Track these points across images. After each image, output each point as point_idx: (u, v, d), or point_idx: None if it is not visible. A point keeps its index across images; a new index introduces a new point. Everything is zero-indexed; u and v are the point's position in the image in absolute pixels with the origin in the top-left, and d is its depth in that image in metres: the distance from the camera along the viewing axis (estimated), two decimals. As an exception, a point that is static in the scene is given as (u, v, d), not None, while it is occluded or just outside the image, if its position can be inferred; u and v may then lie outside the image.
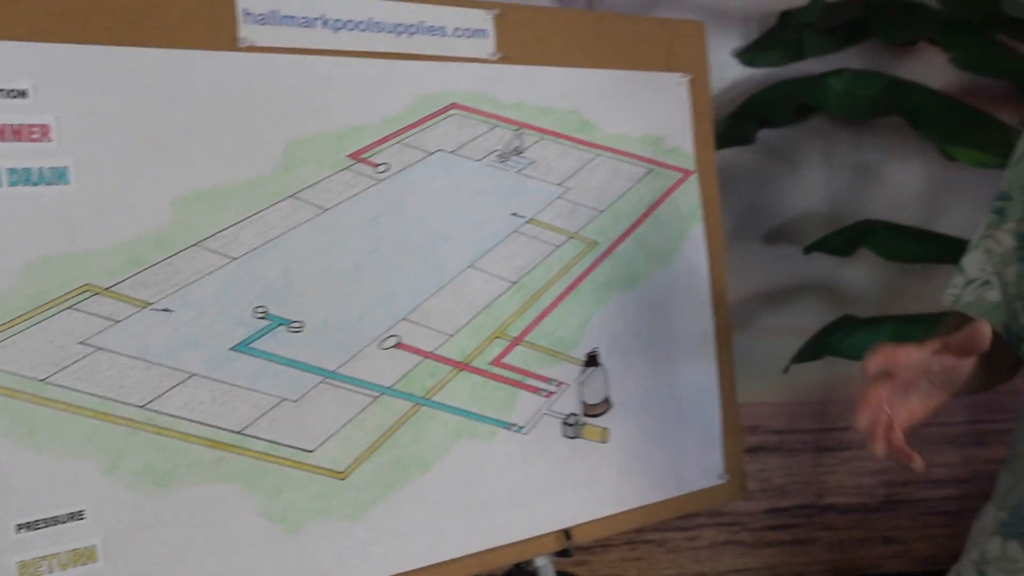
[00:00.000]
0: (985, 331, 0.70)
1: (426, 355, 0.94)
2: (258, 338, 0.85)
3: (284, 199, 0.87)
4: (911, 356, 0.73)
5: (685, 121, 1.12)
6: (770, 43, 1.87)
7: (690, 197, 1.12)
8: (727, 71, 1.89)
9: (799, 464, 2.28)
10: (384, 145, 0.93)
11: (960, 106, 1.73)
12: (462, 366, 0.96)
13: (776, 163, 2.00)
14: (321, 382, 0.88)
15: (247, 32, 0.86)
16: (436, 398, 0.94)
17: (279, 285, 0.87)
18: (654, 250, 1.09)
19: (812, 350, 1.84)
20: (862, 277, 2.01)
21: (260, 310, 0.86)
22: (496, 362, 0.98)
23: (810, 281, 2.03)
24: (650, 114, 1.10)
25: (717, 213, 1.13)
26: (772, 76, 1.90)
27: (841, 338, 1.74)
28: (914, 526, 2.32)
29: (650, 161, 1.10)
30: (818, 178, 2.03)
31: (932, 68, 1.86)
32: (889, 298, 2.05)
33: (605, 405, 1.05)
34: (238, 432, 0.84)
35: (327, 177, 0.90)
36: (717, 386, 1.13)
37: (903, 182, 2.02)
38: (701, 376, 1.12)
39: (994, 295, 0.92)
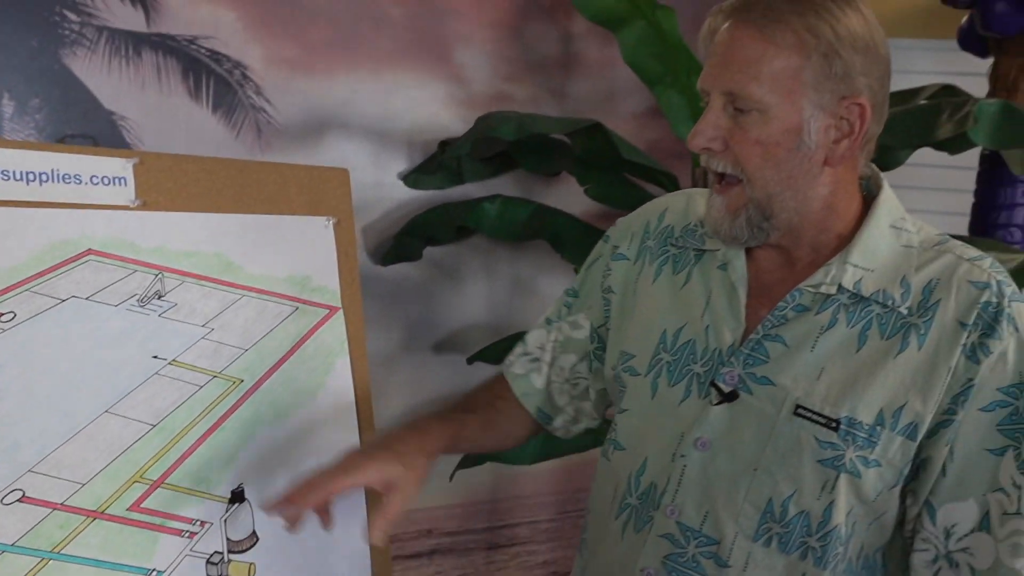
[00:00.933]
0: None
1: (54, 506, 0.92)
2: None
3: None
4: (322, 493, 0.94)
5: (331, 261, 1.19)
6: (432, 168, 2.02)
7: (336, 332, 1.18)
8: (393, 192, 2.01)
9: (472, 563, 2.39)
10: (10, 294, 0.91)
11: (593, 230, 1.95)
12: (95, 515, 0.94)
13: (442, 278, 2.14)
14: (-69, 546, 0.84)
15: None
16: (67, 551, 0.92)
17: None
18: (301, 385, 1.14)
19: (473, 458, 1.96)
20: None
21: None
22: (134, 507, 0.97)
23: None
24: (296, 255, 1.16)
25: (363, 346, 1.21)
26: (435, 198, 2.05)
27: (500, 444, 1.83)
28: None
29: (296, 300, 1.15)
30: (480, 291, 2.19)
31: (573, 195, 2.09)
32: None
33: (251, 539, 1.07)
34: None
35: (-58, 328, 0.87)
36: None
37: (554, 294, 2.21)
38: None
39: (539, 380, 1.14)
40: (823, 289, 0.94)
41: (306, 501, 0.95)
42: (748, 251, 1.00)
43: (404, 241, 2.01)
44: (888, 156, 1.66)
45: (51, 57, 1.60)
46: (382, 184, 2.01)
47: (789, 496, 0.93)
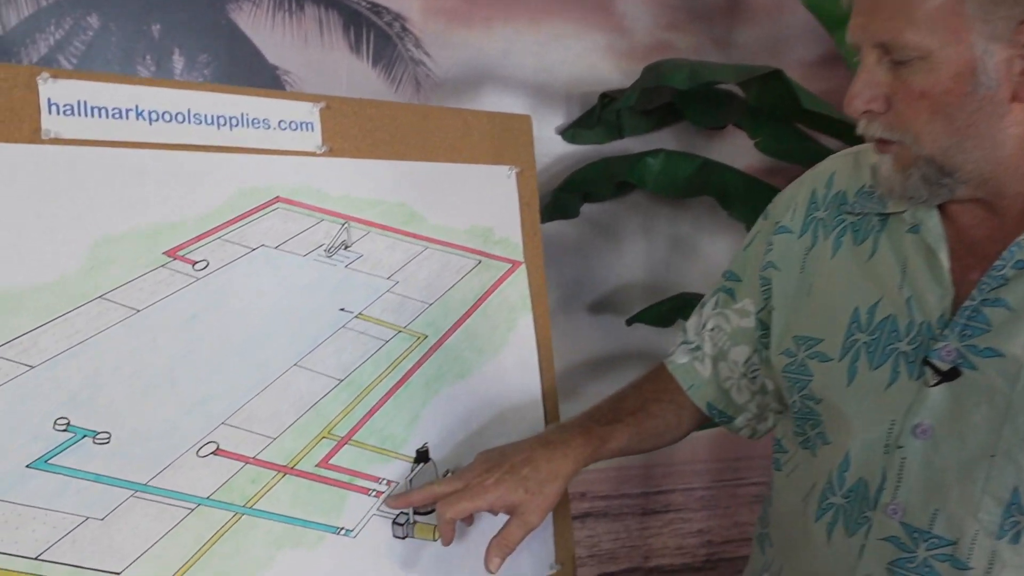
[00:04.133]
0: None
1: (247, 460, 0.89)
2: (59, 452, 0.78)
3: (90, 301, 0.81)
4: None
5: (513, 212, 1.13)
6: (591, 121, 1.94)
7: (519, 288, 1.13)
8: (551, 147, 1.94)
9: (626, 528, 2.33)
10: (203, 241, 0.89)
11: (764, 186, 1.84)
12: (286, 470, 0.92)
13: (599, 236, 2.07)
14: (131, 496, 0.82)
15: (51, 124, 0.81)
16: (258, 506, 0.90)
17: (84, 394, 0.80)
18: (483, 342, 1.09)
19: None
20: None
21: (62, 421, 0.79)
22: (323, 463, 0.94)
23: (632, 350, 2.09)
24: (478, 206, 1.10)
25: (545, 303, 1.15)
26: (594, 153, 1.97)
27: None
28: (732, 585, 2.41)
29: (479, 253, 1.10)
30: (638, 251, 2.11)
31: (739, 150, 1.98)
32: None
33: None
34: (34, 558, 0.76)
35: (139, 276, 0.85)
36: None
37: (715, 255, 2.12)
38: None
39: (705, 370, 1.03)
40: None
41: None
42: (941, 207, 0.87)
43: (561, 197, 1.94)
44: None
45: (218, 12, 1.60)
46: (539, 139, 1.92)
47: None
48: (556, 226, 1.95)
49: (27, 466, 0.77)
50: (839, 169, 0.98)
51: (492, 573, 0.92)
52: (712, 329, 1.06)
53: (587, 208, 1.99)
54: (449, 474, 1.02)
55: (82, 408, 0.80)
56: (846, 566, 0.89)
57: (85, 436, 0.80)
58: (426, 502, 0.96)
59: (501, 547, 0.92)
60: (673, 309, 1.96)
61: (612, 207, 2.07)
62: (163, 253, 0.86)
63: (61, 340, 0.79)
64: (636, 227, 2.11)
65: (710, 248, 2.16)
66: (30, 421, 0.77)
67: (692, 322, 1.11)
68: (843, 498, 0.90)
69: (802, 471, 0.97)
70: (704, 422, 1.11)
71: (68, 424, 0.79)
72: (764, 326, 1.02)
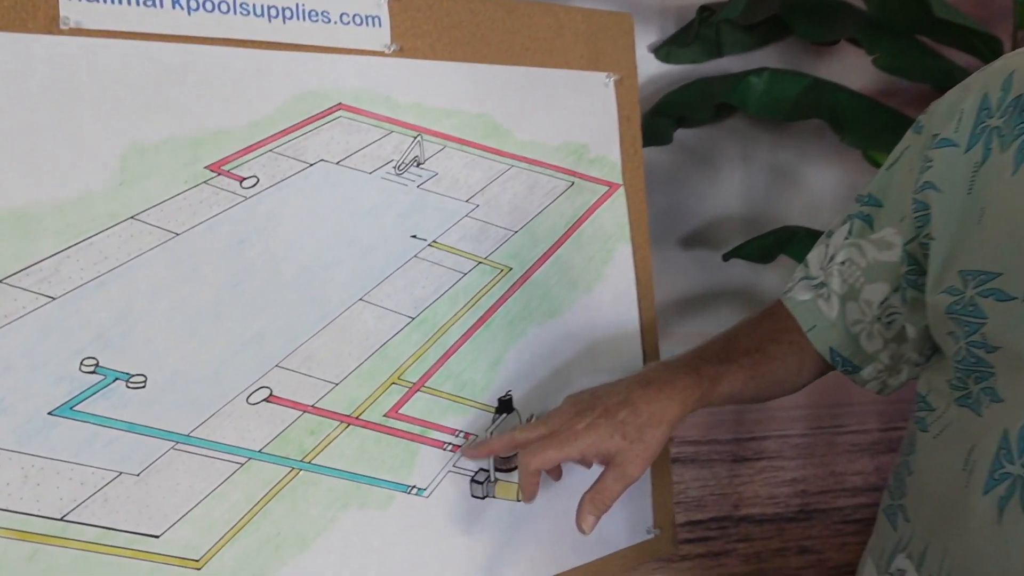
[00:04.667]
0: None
1: (305, 409, 0.78)
2: (86, 398, 0.67)
3: (121, 222, 0.69)
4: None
5: (611, 127, 0.98)
6: (688, 38, 1.76)
7: (616, 214, 0.98)
8: (642, 66, 1.77)
9: (715, 476, 2.21)
10: (252, 154, 0.76)
11: (882, 109, 1.66)
12: (350, 420, 0.80)
13: (693, 164, 1.90)
14: (171, 449, 0.71)
15: (71, 11, 0.68)
16: (318, 460, 0.78)
17: (115, 330, 0.69)
18: (576, 275, 0.94)
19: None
20: (780, 283, 1.94)
21: (89, 362, 0.68)
22: (392, 413, 0.82)
23: (728, 286, 1.94)
24: (571, 118, 0.95)
25: (645, 232, 1.00)
26: (691, 73, 1.80)
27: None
28: (828, 535, 2.29)
29: (571, 173, 0.95)
30: (736, 180, 1.94)
31: (850, 69, 1.79)
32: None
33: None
34: (59, 519, 0.66)
35: (178, 194, 0.72)
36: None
37: (821, 186, 1.94)
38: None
39: (830, 310, 0.86)
40: None
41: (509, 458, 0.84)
42: None
43: (653, 122, 1.77)
44: None
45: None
46: (629, 59, 1.78)
47: None
48: (646, 153, 1.79)
49: (49, 413, 0.66)
50: (1018, 67, 0.79)
51: (586, 533, 0.79)
52: (842, 263, 0.89)
53: (681, 134, 1.82)
54: (533, 420, 0.89)
55: (113, 347, 0.69)
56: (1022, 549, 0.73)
57: (117, 379, 0.69)
58: (507, 450, 0.83)
59: (596, 503, 0.78)
60: (775, 243, 1.79)
61: (708, 132, 1.90)
62: (205, 167, 0.73)
63: (87, 267, 0.68)
64: (734, 154, 1.94)
65: (816, 178, 1.98)
66: (52, 361, 0.66)
67: (815, 255, 0.94)
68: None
69: (956, 433, 0.80)
70: (827, 370, 0.95)
71: (96, 365, 0.68)
72: (913, 260, 0.84)
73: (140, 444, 0.70)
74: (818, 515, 2.35)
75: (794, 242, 1.75)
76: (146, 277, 0.70)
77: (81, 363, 0.67)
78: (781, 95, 1.75)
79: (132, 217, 0.70)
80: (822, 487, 2.34)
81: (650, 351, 1.00)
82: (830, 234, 0.92)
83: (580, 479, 0.82)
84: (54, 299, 0.66)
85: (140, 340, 0.70)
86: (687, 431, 2.13)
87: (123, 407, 0.69)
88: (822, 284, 0.90)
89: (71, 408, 0.67)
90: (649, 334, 1.00)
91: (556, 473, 0.87)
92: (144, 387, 0.70)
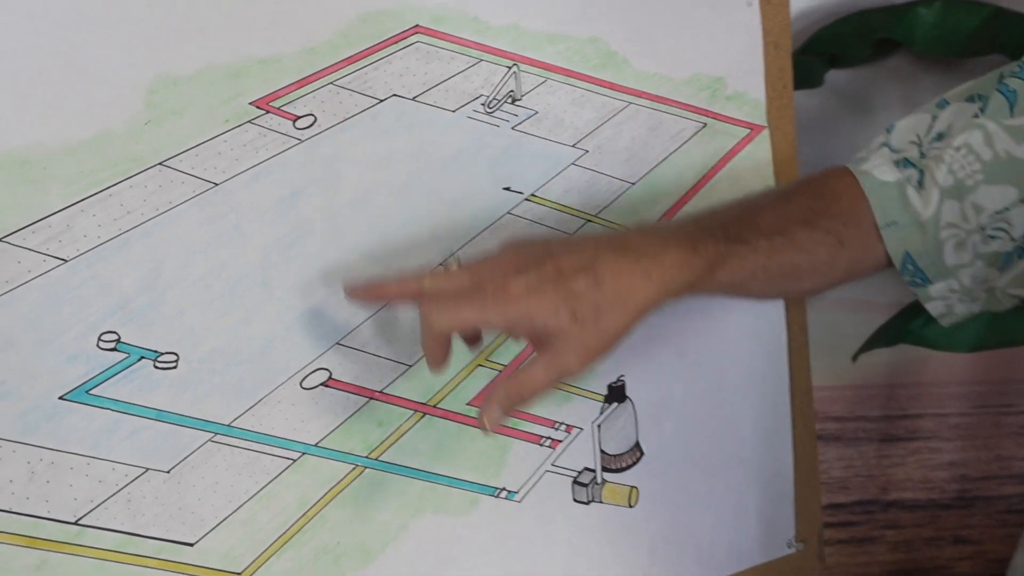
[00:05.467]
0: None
1: (371, 395, 0.65)
2: (105, 379, 0.56)
3: (147, 169, 0.57)
4: None
5: (754, 56, 0.80)
6: (845, -37, 1.54)
7: (758, 163, 0.81)
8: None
9: (861, 455, 2.01)
10: (307, 87, 0.63)
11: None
12: (426, 409, 0.67)
13: (847, 109, 1.69)
14: (209, 441, 0.60)
15: (82, -91, 0.56)
16: (386, 457, 0.65)
17: (140, 299, 0.57)
18: (706, 237, 0.78)
19: (887, 336, 1.54)
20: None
21: (109, 337, 0.57)
22: (478, 400, 0.69)
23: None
24: (704, 45, 0.78)
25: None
26: (845, 5, 1.58)
27: (923, 324, 1.44)
28: (989, 525, 2.06)
29: (703, 112, 0.78)
30: (898, 127, 1.71)
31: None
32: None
33: (633, 455, 0.76)
34: (73, 523, 0.55)
35: (217, 136, 0.60)
36: (789, 418, 0.83)
37: (997, 134, 1.69)
38: (768, 406, 0.82)
39: (924, 206, 0.65)
40: None
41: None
42: None
43: (801, 62, 1.55)
44: None
45: None
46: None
47: None
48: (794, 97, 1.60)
49: (61, 398, 0.55)
50: None
51: (486, 430, 0.56)
52: (958, 148, 0.67)
53: (833, 75, 1.61)
54: (457, 265, 0.63)
55: (137, 319, 0.57)
56: None
57: (143, 357, 0.57)
58: (403, 296, 0.60)
59: (510, 393, 0.56)
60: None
61: (865, 73, 1.67)
62: (250, 103, 0.61)
63: (105, 224, 0.56)
64: (895, 98, 1.70)
65: (991, 125, 1.72)
66: (64, 336, 0.55)
67: (911, 123, 0.71)
68: None
69: None
70: (869, 274, 0.73)
71: (118, 341, 0.57)
72: None
73: (171, 435, 0.58)
74: (979, 503, 2.13)
75: (966, 198, 1.52)
76: (178, 236, 0.58)
77: (99, 338, 0.56)
78: (955, 28, 1.51)
79: (160, 163, 0.58)
80: (985, 472, 2.12)
81: (795, 332, 0.83)
82: (942, 103, 0.70)
83: (707, 474, 0.67)
84: (65, 261, 0.55)
85: (171, 311, 0.58)
86: (830, 406, 1.95)
87: (150, 391, 0.58)
88: (911, 164, 0.68)
89: (87, 392, 0.56)
90: (796, 307, 0.83)
91: (474, 340, 0.64)
92: (175, 367, 0.58)
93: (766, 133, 0.81)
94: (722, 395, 0.79)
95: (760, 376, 0.81)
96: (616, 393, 0.75)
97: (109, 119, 0.56)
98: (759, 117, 0.81)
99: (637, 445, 0.76)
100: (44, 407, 0.55)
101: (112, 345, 0.57)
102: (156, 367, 0.58)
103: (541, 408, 0.71)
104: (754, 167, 0.80)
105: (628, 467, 0.76)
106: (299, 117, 0.62)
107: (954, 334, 1.49)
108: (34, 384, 0.55)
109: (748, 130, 0.80)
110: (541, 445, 0.71)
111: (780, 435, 0.83)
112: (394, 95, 0.66)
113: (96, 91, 0.56)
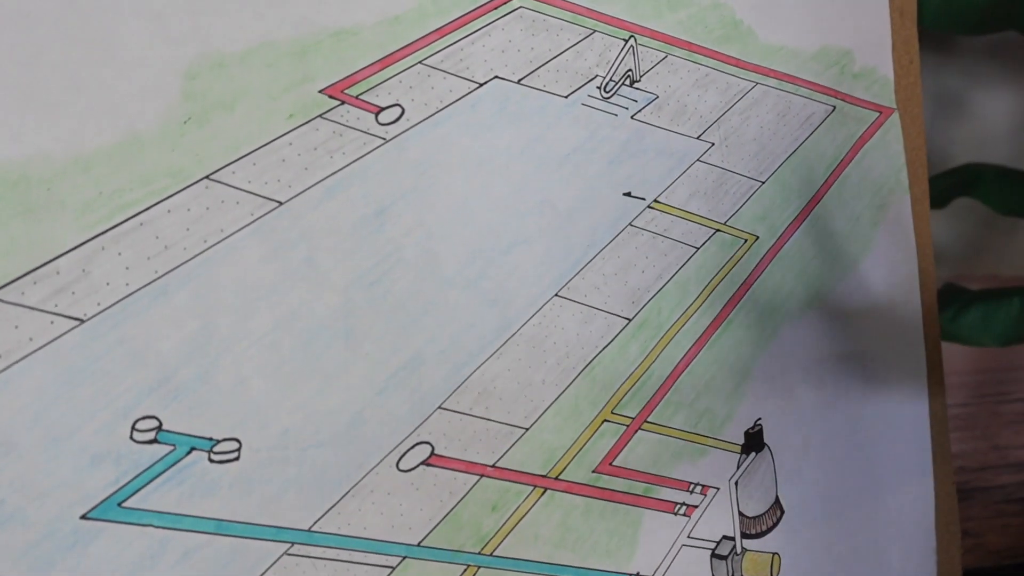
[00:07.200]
0: None
1: (482, 472, 0.50)
2: (144, 485, 0.40)
3: (190, 185, 0.41)
4: None
5: (882, 26, 0.67)
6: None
7: (890, 152, 0.68)
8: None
9: (858, 454, 1.93)
10: (391, 68, 0.47)
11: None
12: (548, 483, 0.52)
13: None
14: (284, 555, 0.44)
15: None
16: (504, 549, 0.50)
17: (186, 369, 0.41)
18: (838, 243, 0.65)
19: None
20: (952, 232, 1.64)
21: (147, 425, 0.40)
22: (604, 467, 0.54)
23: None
24: (830, 12, 0.64)
25: (924, 176, 0.70)
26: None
27: (952, 316, 1.33)
28: (989, 516, 1.99)
29: (833, 93, 0.65)
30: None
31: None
32: (985, 259, 1.67)
33: (774, 514, 0.62)
34: None
35: (280, 136, 0.44)
36: (930, 460, 0.71)
37: (994, 116, 1.61)
38: (905, 442, 0.69)
39: None
40: None
41: None
42: None
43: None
44: None
45: None
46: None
47: None
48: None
49: (83, 517, 0.39)
50: None
51: None
52: None
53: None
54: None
55: (183, 397, 0.41)
56: None
57: (193, 449, 0.41)
58: None
59: None
60: (956, 184, 1.46)
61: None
62: (321, 91, 0.45)
63: (136, 266, 0.40)
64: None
65: (990, 107, 1.64)
66: (84, 429, 0.38)
67: None
68: None
69: None
70: None
71: (159, 429, 0.40)
72: None
73: (236, 552, 0.42)
74: (977, 494, 2.06)
75: (981, 183, 1.42)
76: (232, 277, 0.42)
77: (133, 427, 0.40)
78: (967, 2, 1.42)
79: (207, 177, 0.42)
80: (982, 462, 2.05)
81: (931, 350, 0.70)
82: None
83: (850, 530, 0.54)
84: (82, 322, 0.39)
85: (227, 383, 0.42)
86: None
87: (205, 494, 0.41)
88: None
89: (119, 505, 0.39)
90: (931, 326, 0.70)
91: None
92: (237, 458, 0.42)
93: (896, 116, 0.68)
94: (867, 434, 0.66)
95: (902, 403, 0.68)
96: (754, 440, 0.61)
97: (135, 117, 0.40)
98: (888, 98, 0.68)
99: (777, 502, 0.62)
100: (61, 533, 0.38)
101: (151, 435, 0.40)
102: (212, 460, 0.42)
103: (673, 467, 0.57)
104: (884, 156, 0.67)
105: (768, 530, 0.62)
106: (383, 109, 0.46)
107: (985, 327, 1.39)
108: (45, 502, 0.38)
109: (878, 113, 0.67)
110: (676, 514, 0.57)
111: (921, 476, 0.70)
112: (496, 77, 0.50)
113: (117, 79, 0.39)
